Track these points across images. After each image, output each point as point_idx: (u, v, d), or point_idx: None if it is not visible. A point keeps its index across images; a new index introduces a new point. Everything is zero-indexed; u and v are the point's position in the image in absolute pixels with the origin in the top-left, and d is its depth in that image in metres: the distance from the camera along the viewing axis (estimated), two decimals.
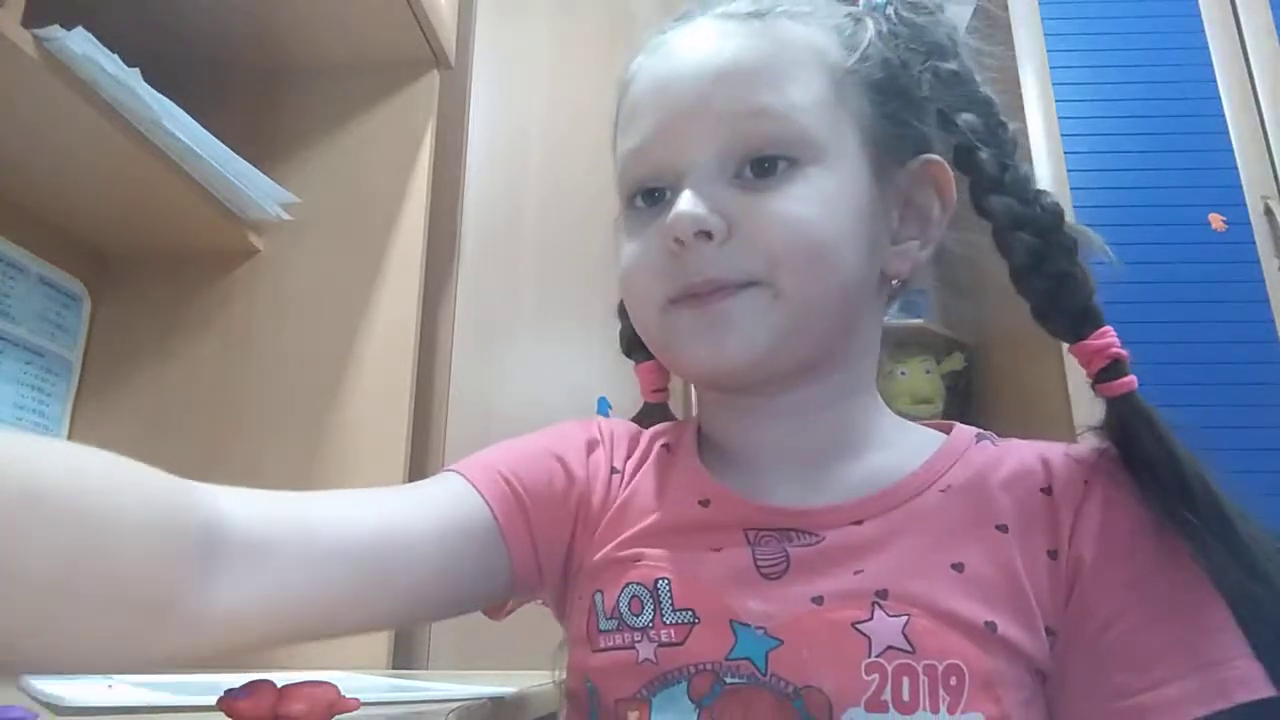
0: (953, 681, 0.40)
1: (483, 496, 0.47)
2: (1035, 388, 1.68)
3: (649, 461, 0.52)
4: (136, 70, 0.81)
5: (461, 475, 0.49)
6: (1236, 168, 1.66)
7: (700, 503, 0.48)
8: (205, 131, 0.91)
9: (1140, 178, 1.68)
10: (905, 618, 0.41)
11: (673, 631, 0.44)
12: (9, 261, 0.96)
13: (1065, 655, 0.42)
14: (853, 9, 0.51)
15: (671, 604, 0.44)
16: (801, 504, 0.47)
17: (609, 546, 0.48)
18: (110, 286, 1.10)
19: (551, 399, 1.33)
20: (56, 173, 0.92)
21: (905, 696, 0.40)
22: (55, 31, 0.73)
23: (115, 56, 0.78)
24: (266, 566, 0.38)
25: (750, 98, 0.46)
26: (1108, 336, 0.45)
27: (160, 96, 0.84)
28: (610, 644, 0.45)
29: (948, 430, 0.51)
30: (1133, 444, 0.44)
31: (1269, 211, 1.61)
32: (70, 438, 1.04)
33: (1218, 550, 0.41)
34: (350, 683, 0.59)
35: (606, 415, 1.43)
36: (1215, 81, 1.72)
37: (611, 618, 0.46)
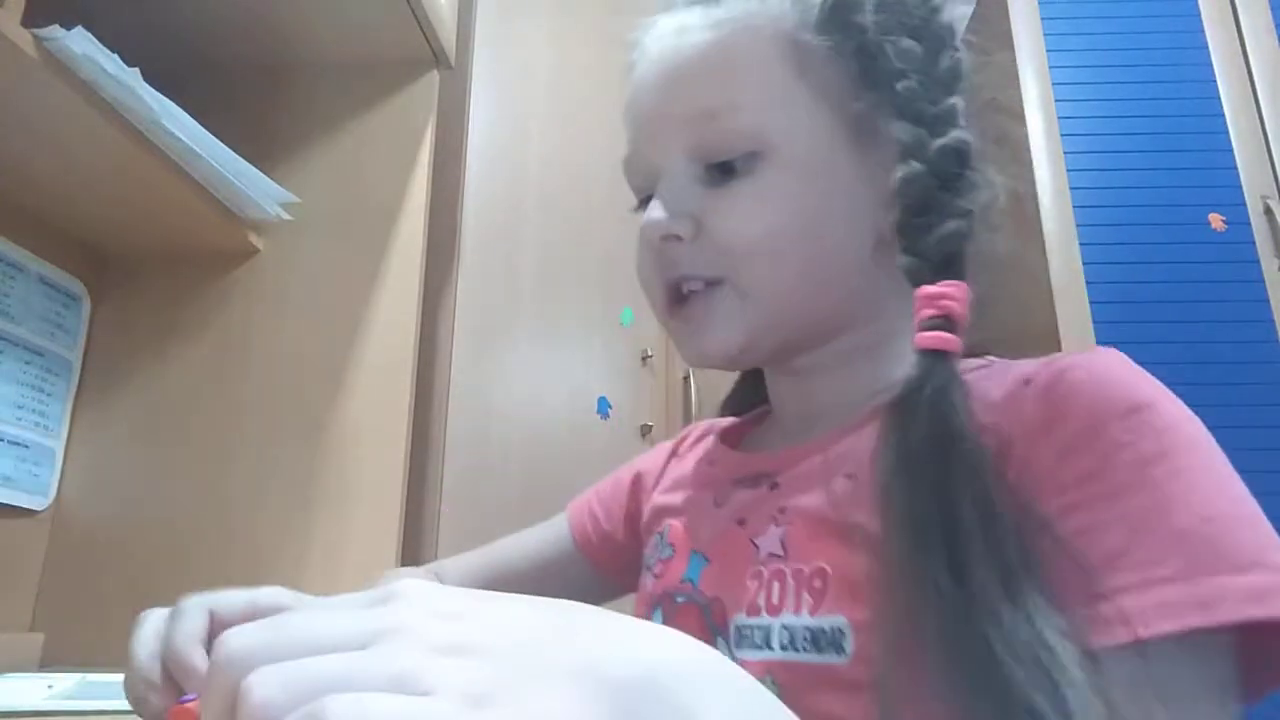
0: (816, 584, 0.40)
1: (570, 528, 0.64)
2: None
3: (702, 442, 0.59)
4: (136, 70, 0.81)
5: (567, 511, 0.66)
6: (1236, 168, 1.66)
7: (709, 463, 0.55)
8: (205, 131, 0.91)
9: (1140, 178, 1.68)
10: (786, 527, 0.44)
11: (661, 565, 0.51)
12: (9, 261, 0.96)
13: None
14: None
15: (665, 542, 0.52)
16: (776, 451, 0.50)
17: (654, 500, 0.57)
18: (110, 286, 1.10)
19: (551, 399, 1.33)
20: (56, 173, 0.92)
21: (775, 599, 0.42)
22: (55, 31, 0.73)
23: (115, 56, 0.78)
24: None
25: (699, 100, 0.47)
26: (951, 290, 0.41)
27: (160, 96, 0.84)
28: (644, 579, 0.54)
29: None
30: (913, 407, 0.39)
31: (1269, 211, 1.61)
32: (70, 438, 1.04)
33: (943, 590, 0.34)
34: None
35: (606, 415, 1.43)
36: (1215, 81, 1.72)
37: (649, 556, 0.54)
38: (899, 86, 0.44)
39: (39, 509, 0.99)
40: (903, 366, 0.44)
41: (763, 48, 0.46)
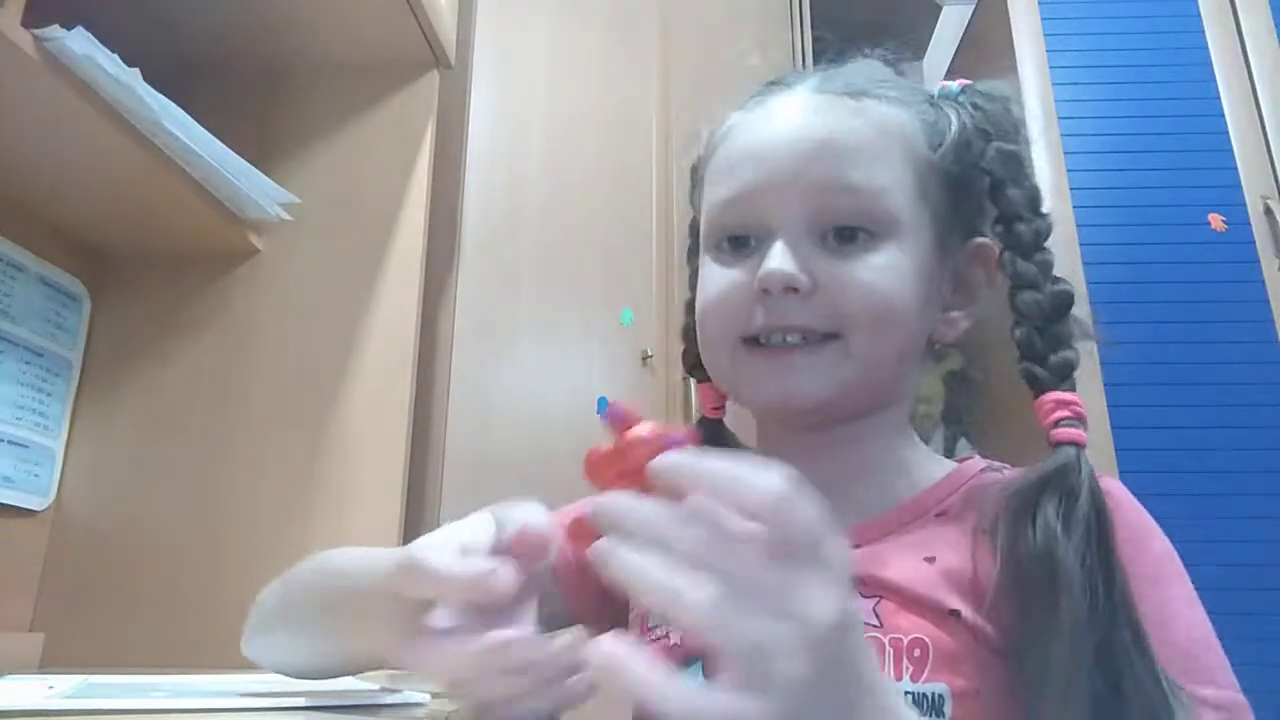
0: (916, 654, 0.45)
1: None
2: None
3: None
4: (136, 70, 0.81)
5: None
6: (1236, 168, 1.66)
7: None
8: (205, 131, 0.91)
9: (1140, 178, 1.69)
10: (877, 599, 0.48)
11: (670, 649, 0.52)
12: (9, 261, 0.96)
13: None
14: (931, 94, 0.59)
15: None
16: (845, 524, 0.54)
17: None
18: (110, 286, 1.10)
19: (551, 399, 1.33)
20: (56, 173, 0.92)
21: None
22: (55, 31, 0.73)
23: (115, 56, 0.78)
24: None
25: (842, 174, 0.52)
26: (1078, 399, 0.50)
27: (160, 96, 0.84)
28: (657, 635, 0.54)
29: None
30: (1061, 483, 0.48)
31: (1269, 211, 1.61)
32: (70, 438, 1.04)
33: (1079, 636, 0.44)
34: (344, 682, 0.59)
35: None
36: (1215, 81, 1.72)
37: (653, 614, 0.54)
38: (1016, 228, 0.53)
39: (39, 509, 0.99)
40: (911, 449, 0.57)
41: (900, 149, 0.54)
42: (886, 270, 0.52)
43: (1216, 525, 1.44)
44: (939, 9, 2.36)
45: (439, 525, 1.22)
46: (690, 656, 0.50)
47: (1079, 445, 0.48)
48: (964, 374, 2.00)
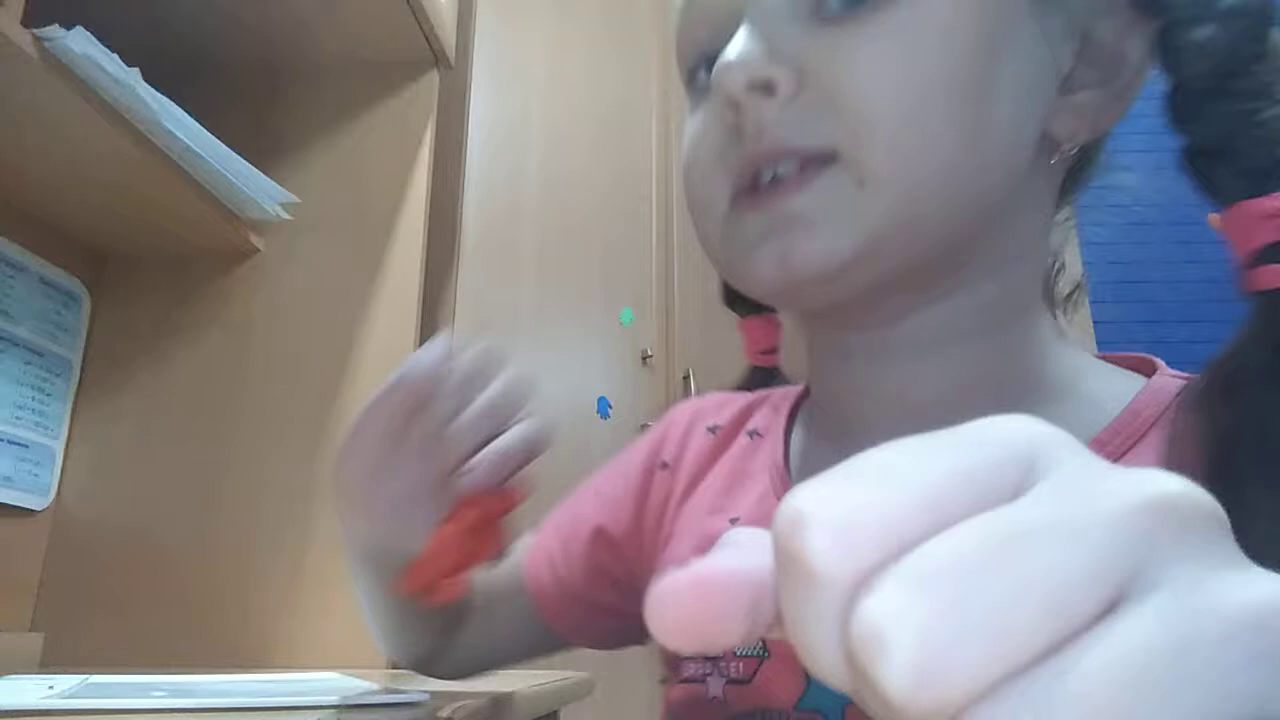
0: None
1: (524, 567, 0.52)
2: None
3: (728, 454, 0.44)
4: (136, 70, 0.81)
5: (526, 545, 0.53)
6: None
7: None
8: (205, 131, 0.91)
9: (1140, 178, 1.69)
10: None
11: (741, 665, 0.37)
12: (9, 261, 0.96)
13: None
14: None
15: None
16: None
17: (685, 557, 0.40)
18: (110, 286, 1.10)
19: (551, 399, 1.33)
20: (56, 173, 0.92)
21: None
22: (55, 31, 0.73)
23: (115, 56, 0.78)
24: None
25: None
26: None
27: (160, 96, 0.84)
28: (686, 674, 0.40)
29: (1149, 373, 0.37)
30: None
31: None
32: (70, 438, 1.04)
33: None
34: (344, 683, 0.60)
35: (606, 415, 1.43)
36: None
37: None
38: None
39: (39, 509, 0.99)
40: (1064, 356, 0.35)
41: None
42: (919, 34, 0.31)
43: None
44: None
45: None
46: (734, 718, 0.38)
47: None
48: None
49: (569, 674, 0.79)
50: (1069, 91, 0.35)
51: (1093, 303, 1.59)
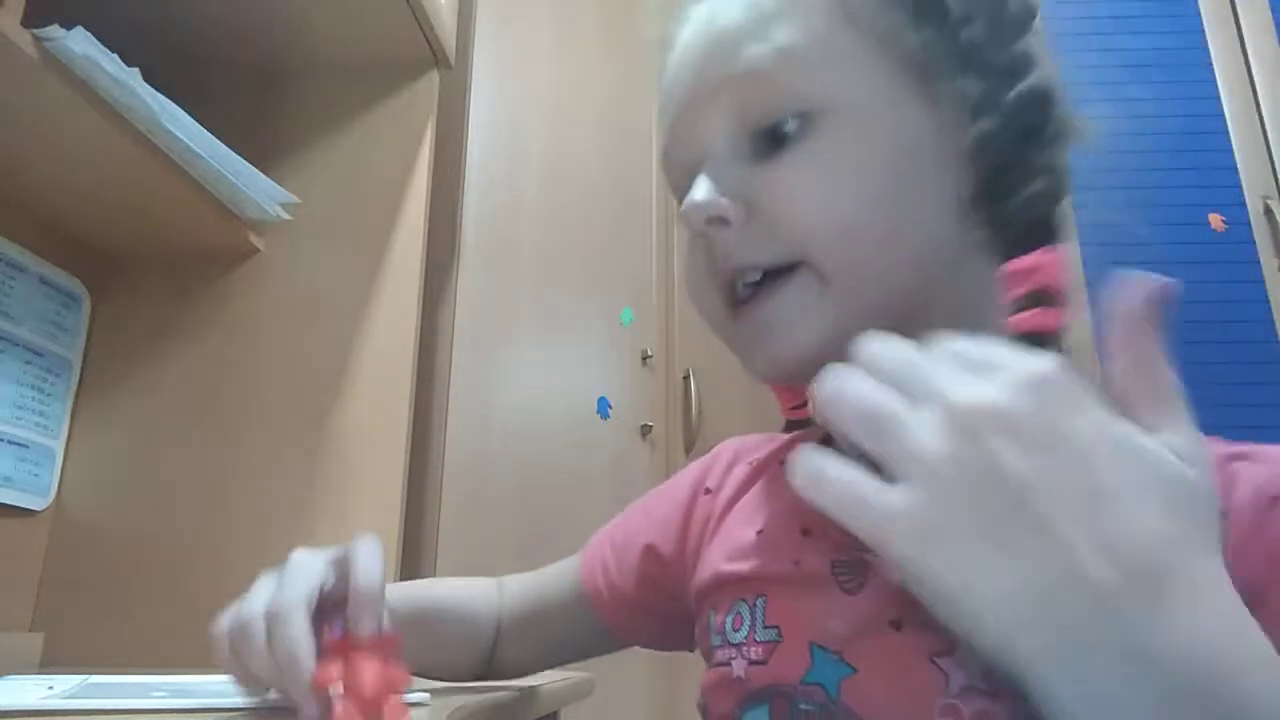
0: None
1: (581, 576, 0.59)
2: None
3: (762, 481, 0.50)
4: (136, 70, 0.81)
5: (579, 558, 0.60)
6: (1236, 168, 1.66)
7: (803, 532, 0.44)
8: (205, 131, 0.91)
9: (1140, 178, 1.69)
10: None
11: (760, 649, 0.42)
12: (9, 261, 0.96)
13: None
14: None
15: (763, 621, 0.43)
16: None
17: (718, 562, 0.47)
18: (110, 286, 1.10)
19: (551, 399, 1.33)
20: (56, 173, 0.92)
21: None
22: (55, 31, 0.73)
23: (115, 56, 0.78)
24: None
25: (736, 60, 0.41)
26: (1045, 259, 0.36)
27: (160, 96, 0.84)
28: (717, 659, 0.45)
29: None
30: None
31: (1269, 211, 1.61)
32: (70, 438, 1.04)
33: None
34: None
35: (606, 415, 1.43)
36: (1215, 81, 1.72)
37: (719, 633, 0.45)
38: (962, 35, 0.39)
39: (39, 509, 0.99)
40: None
41: None
42: (823, 160, 0.39)
43: None
44: None
45: (439, 526, 1.22)
46: (752, 693, 0.42)
47: (1036, 335, 0.35)
48: None
49: (569, 674, 0.79)
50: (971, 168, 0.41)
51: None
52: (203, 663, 0.91)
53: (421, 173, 1.14)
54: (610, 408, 1.39)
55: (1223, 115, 1.69)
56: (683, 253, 0.45)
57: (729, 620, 0.45)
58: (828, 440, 0.48)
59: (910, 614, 0.37)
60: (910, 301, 0.40)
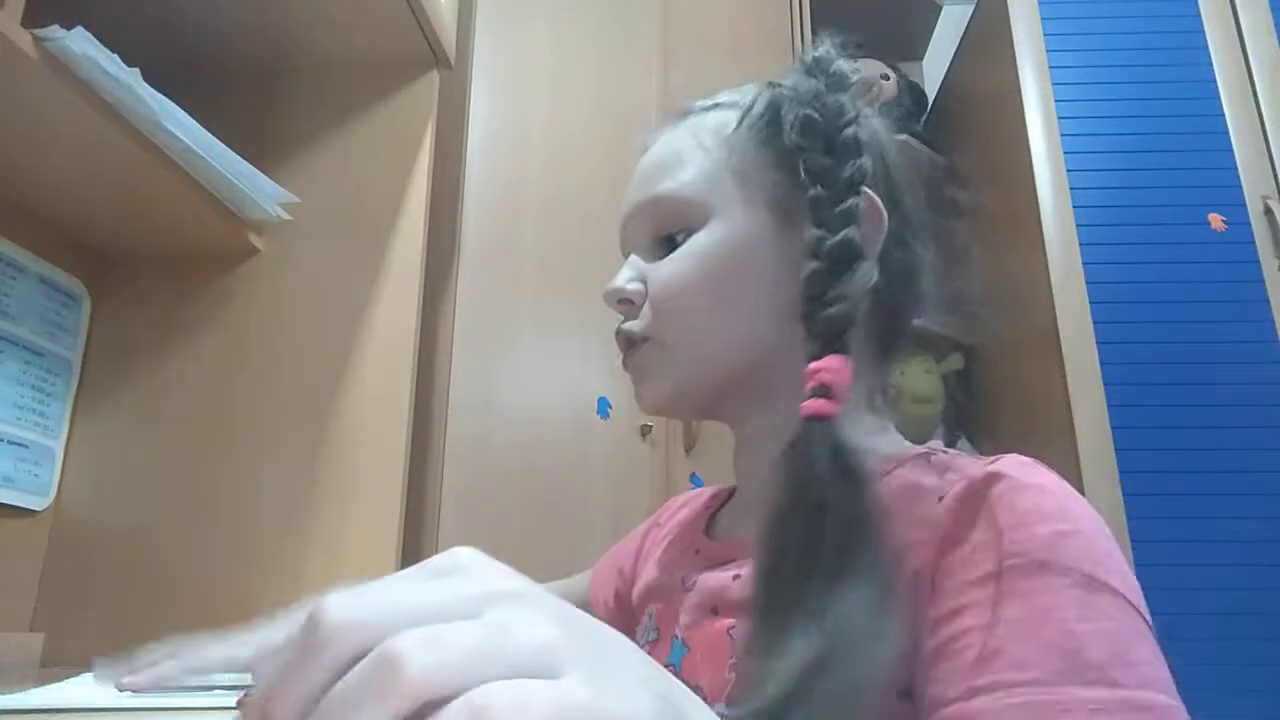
0: None
1: (590, 595, 0.72)
2: (1035, 387, 1.68)
3: (677, 517, 0.65)
4: (136, 70, 0.81)
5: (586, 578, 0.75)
6: (1236, 168, 1.66)
7: (680, 544, 0.60)
8: (205, 131, 0.91)
9: (1140, 178, 1.68)
10: None
11: (648, 648, 0.54)
12: (9, 261, 0.96)
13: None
14: (764, 84, 0.58)
15: (652, 625, 0.57)
16: (737, 536, 0.56)
17: (640, 584, 0.62)
18: (110, 286, 1.10)
19: (551, 399, 1.32)
20: (56, 173, 0.92)
21: None
22: (55, 31, 0.73)
23: (115, 56, 0.78)
24: None
25: (655, 188, 0.56)
26: (830, 363, 0.46)
27: (160, 96, 0.84)
28: None
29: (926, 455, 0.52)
30: (800, 460, 0.44)
31: (1269, 211, 1.61)
32: (70, 438, 1.04)
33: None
34: None
35: (606, 415, 1.43)
36: (1215, 81, 1.72)
37: (638, 639, 0.58)
38: (810, 194, 0.50)
39: (39, 509, 0.99)
40: (853, 435, 0.51)
41: (705, 144, 0.56)
42: (692, 257, 0.53)
43: (1217, 525, 1.44)
44: (939, 9, 2.36)
45: (439, 525, 1.22)
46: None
47: (814, 418, 0.44)
48: (964, 374, 2.00)
49: None
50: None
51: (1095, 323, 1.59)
52: None
53: (421, 173, 1.14)
54: (610, 408, 1.39)
55: (1223, 115, 1.68)
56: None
57: (641, 628, 0.58)
58: (730, 497, 0.62)
59: (722, 603, 0.50)
60: (736, 372, 0.54)
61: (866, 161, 0.50)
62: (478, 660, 0.20)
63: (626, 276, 0.56)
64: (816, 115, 0.52)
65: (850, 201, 0.49)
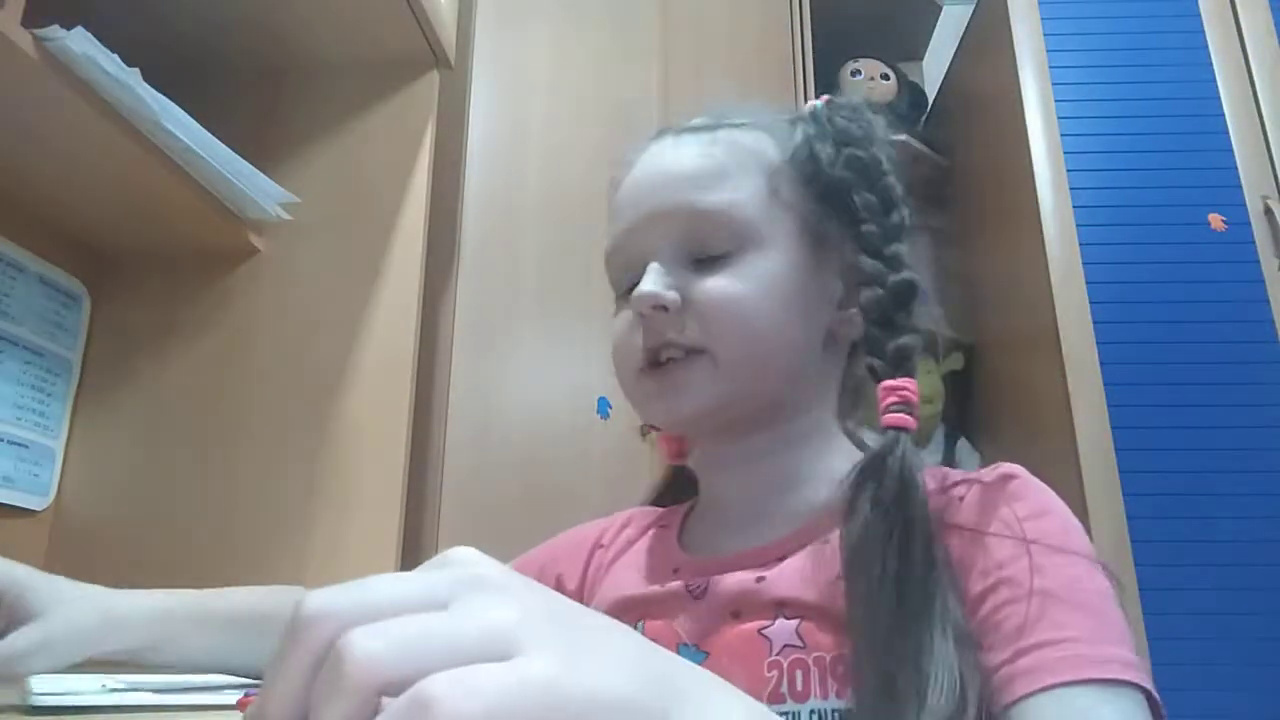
0: (840, 670, 0.46)
1: None
2: (1035, 387, 1.68)
3: (645, 540, 0.64)
4: (136, 70, 0.81)
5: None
6: (1236, 168, 1.66)
7: (674, 570, 0.58)
8: (205, 131, 0.91)
9: (1140, 178, 1.68)
10: (799, 620, 0.49)
11: None
12: (9, 261, 0.96)
13: None
14: (790, 114, 0.62)
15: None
16: (736, 550, 0.55)
17: (608, 598, 0.59)
18: (110, 286, 1.10)
19: (551, 399, 1.32)
20: (56, 173, 0.92)
21: (799, 686, 0.47)
22: (55, 31, 0.73)
23: (115, 56, 0.78)
24: None
25: (696, 199, 0.55)
26: (910, 384, 0.51)
27: (160, 96, 0.84)
28: None
29: None
30: (877, 468, 0.49)
31: (1269, 211, 1.61)
32: (70, 438, 1.04)
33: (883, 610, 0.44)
34: None
35: (606, 415, 1.43)
36: (1215, 81, 1.72)
37: None
38: (863, 229, 0.55)
39: (39, 509, 0.99)
40: (838, 455, 0.56)
41: (753, 164, 0.57)
42: (747, 279, 0.54)
43: (1217, 525, 1.44)
44: (939, 9, 2.36)
45: (439, 525, 1.22)
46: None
47: (901, 429, 0.49)
48: (964, 374, 2.00)
49: None
50: (843, 308, 0.58)
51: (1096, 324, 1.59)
52: None
53: (421, 173, 1.14)
54: (610, 408, 1.39)
55: (1223, 115, 1.68)
56: (617, 324, 0.59)
57: None
58: (690, 513, 0.63)
59: (745, 606, 0.51)
60: (783, 403, 0.56)
61: (907, 214, 0.56)
62: (426, 648, 0.20)
63: (663, 284, 0.54)
64: (861, 154, 0.56)
65: (901, 246, 0.55)
